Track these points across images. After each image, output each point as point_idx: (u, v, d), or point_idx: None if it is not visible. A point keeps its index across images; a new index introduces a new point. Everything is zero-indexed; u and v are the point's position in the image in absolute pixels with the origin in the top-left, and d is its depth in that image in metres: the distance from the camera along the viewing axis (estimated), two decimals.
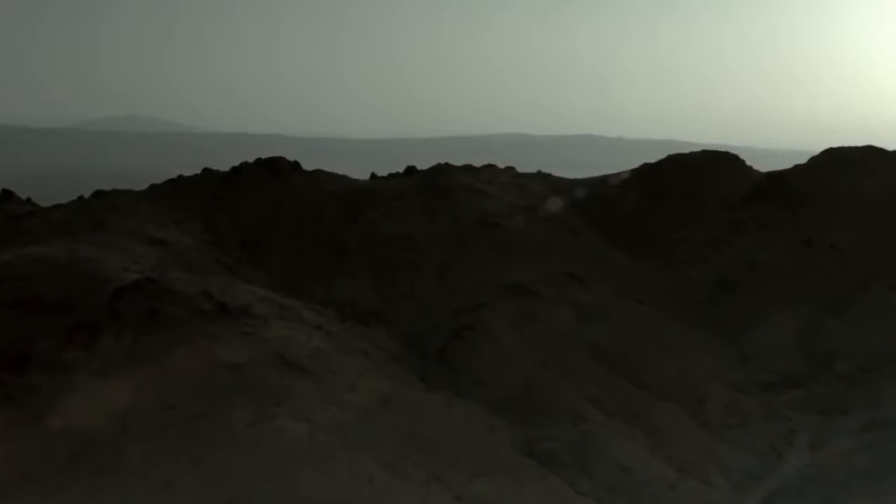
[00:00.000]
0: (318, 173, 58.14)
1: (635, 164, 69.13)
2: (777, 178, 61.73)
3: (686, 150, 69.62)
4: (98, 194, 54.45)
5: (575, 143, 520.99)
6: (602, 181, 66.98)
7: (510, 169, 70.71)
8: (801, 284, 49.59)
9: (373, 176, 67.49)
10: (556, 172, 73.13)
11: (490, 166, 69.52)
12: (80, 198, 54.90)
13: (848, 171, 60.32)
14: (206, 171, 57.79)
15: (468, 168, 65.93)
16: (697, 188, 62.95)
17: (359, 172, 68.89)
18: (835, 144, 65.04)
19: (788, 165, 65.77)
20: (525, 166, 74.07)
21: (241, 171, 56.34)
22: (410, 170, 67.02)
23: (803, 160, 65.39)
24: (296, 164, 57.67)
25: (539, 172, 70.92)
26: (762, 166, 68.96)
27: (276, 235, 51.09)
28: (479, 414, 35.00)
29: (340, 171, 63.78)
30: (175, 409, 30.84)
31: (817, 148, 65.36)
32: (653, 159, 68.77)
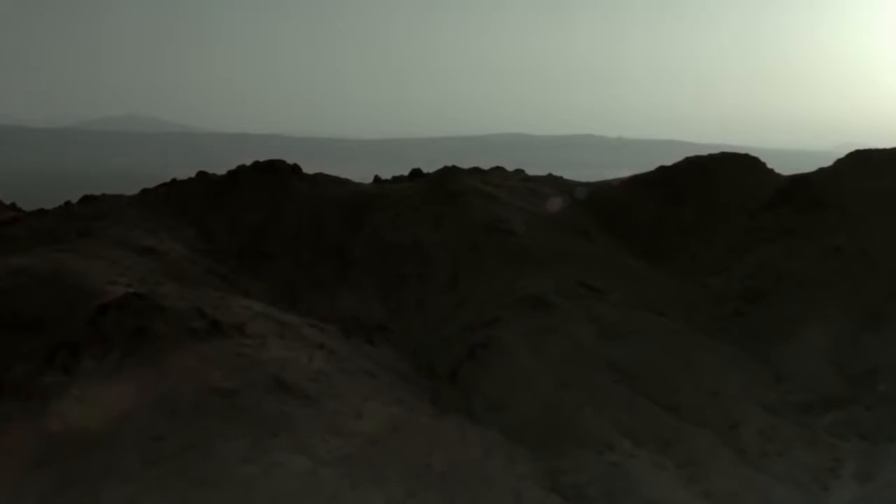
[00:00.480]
0: (319, 177, 55.09)
1: (636, 164, 66.78)
2: (801, 182, 58.66)
3: (687, 150, 67.30)
4: (86, 199, 51.47)
5: (575, 143, 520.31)
6: (616, 184, 64.03)
7: (519, 171, 67.84)
8: (833, 295, 46.45)
9: (376, 179, 64.63)
10: (557, 172, 70.86)
11: (498, 169, 66.62)
12: (68, 203, 51.98)
13: (876, 173, 57.20)
14: (201, 174, 54.79)
15: (476, 171, 62.97)
16: (717, 192, 59.93)
17: (359, 172, 66.28)
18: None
19: (790, 165, 63.39)
20: (525, 166, 71.69)
21: (237, 174, 53.27)
22: (416, 173, 64.13)
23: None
24: (296, 168, 54.60)
25: (549, 175, 67.99)
26: None
27: (274, 243, 48.03)
28: (496, 442, 32.09)
29: (340, 172, 61.07)
30: (162, 441, 28.02)
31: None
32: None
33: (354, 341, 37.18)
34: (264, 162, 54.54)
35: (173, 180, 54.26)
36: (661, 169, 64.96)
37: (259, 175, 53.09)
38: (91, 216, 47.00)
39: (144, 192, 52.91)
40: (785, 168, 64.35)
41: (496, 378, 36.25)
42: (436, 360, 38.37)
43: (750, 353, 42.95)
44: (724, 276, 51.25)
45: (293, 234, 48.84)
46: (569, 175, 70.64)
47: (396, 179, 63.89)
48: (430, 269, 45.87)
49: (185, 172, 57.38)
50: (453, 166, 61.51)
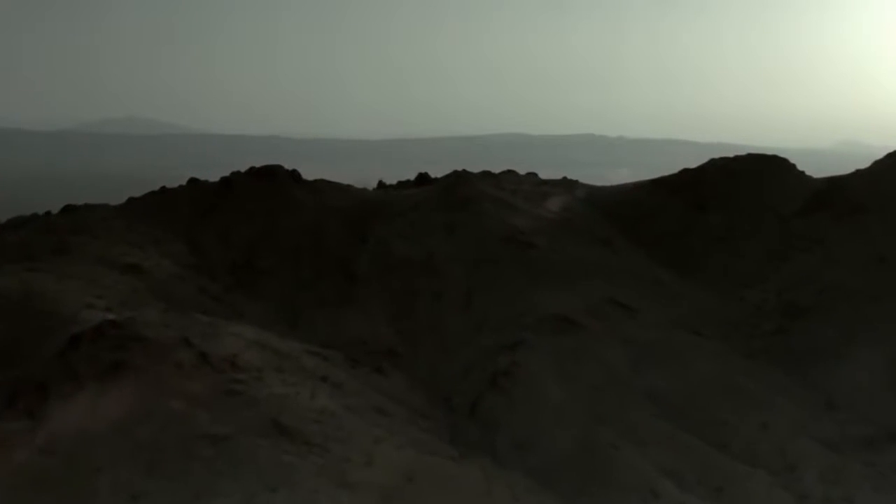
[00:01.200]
0: (320, 184, 50.99)
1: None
2: (838, 185, 54.72)
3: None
4: (67, 209, 47.42)
5: (575, 142, 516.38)
6: (637, 188, 60.03)
7: (532, 175, 64.01)
8: (884, 310, 42.39)
9: (380, 184, 60.72)
10: (558, 172, 68.04)
11: (510, 172, 62.85)
12: (47, 213, 47.97)
13: None
14: (192, 181, 50.74)
15: (487, 175, 59.05)
16: (746, 196, 55.93)
17: (359, 174, 62.99)
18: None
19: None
20: (526, 166, 68.94)
21: (232, 182, 49.13)
22: (423, 177, 60.18)
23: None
24: (294, 174, 50.51)
25: (564, 179, 64.23)
26: None
27: (272, 258, 43.89)
28: (524, 488, 28.17)
29: (340, 173, 57.61)
30: (141, 500, 24.07)
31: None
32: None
33: (361, 371, 33.23)
34: (261, 168, 50.50)
35: (162, 188, 50.29)
36: (685, 172, 61.02)
37: (255, 182, 49.05)
38: (70, 229, 42.88)
39: (130, 200, 48.82)
40: None
41: (521, 411, 32.35)
42: (453, 390, 34.46)
43: (796, 376, 38.92)
44: (760, 288, 47.26)
45: (292, 248, 44.74)
46: (571, 175, 67.65)
47: (402, 185, 59.96)
48: (443, 286, 41.81)
49: (184, 175, 54.05)
50: (463, 170, 57.54)
